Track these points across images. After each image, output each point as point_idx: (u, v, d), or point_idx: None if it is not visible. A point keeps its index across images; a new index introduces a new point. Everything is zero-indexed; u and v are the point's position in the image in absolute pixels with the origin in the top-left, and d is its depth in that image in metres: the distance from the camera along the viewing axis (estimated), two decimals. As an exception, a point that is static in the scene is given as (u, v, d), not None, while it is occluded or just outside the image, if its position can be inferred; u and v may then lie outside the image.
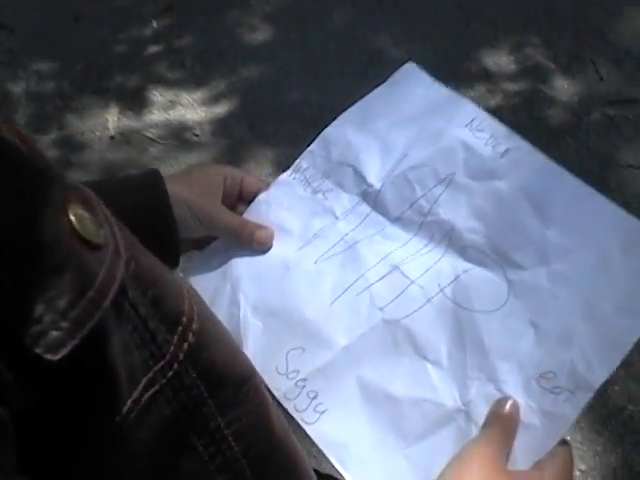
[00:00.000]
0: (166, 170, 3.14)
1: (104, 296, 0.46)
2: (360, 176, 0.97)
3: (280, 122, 3.29)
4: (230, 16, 3.95)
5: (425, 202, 0.91)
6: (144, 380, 0.53)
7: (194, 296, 0.63)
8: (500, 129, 0.91)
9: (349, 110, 1.03)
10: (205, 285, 0.96)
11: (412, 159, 0.94)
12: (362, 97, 1.03)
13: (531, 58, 3.37)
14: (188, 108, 3.50)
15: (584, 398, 0.75)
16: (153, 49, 3.87)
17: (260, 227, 0.96)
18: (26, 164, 0.46)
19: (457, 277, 0.86)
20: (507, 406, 0.76)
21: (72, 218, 0.46)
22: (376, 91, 1.03)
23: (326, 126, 1.03)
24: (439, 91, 0.99)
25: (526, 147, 0.89)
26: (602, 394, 2.26)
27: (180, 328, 0.57)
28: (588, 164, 2.89)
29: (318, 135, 1.03)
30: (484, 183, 0.89)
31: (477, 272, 0.85)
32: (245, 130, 3.31)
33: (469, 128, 0.92)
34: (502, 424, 0.75)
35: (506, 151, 0.89)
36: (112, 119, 3.52)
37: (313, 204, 0.98)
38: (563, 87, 3.22)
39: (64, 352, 0.43)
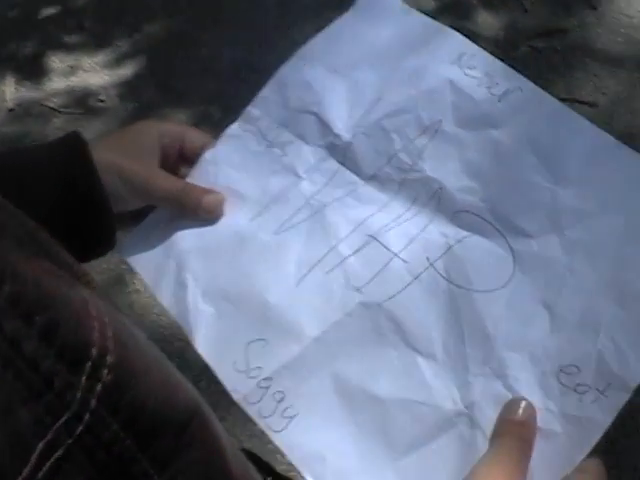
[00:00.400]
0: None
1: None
2: (325, 125, 0.82)
3: (191, 80, 3.09)
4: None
5: (406, 156, 0.77)
6: (40, 446, 0.36)
7: (108, 315, 0.45)
8: (497, 66, 0.77)
9: (308, 45, 0.86)
10: (145, 265, 0.81)
11: (388, 104, 0.79)
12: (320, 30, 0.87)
13: (451, -7, 3.23)
14: (91, 72, 3.28)
15: (619, 400, 0.60)
16: (47, 11, 3.61)
17: (207, 192, 0.81)
18: None
19: (450, 248, 0.71)
20: (520, 410, 0.61)
21: None
22: (339, 21, 0.87)
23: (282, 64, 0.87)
24: (417, 19, 0.83)
25: (530, 88, 0.75)
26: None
27: (89, 365, 0.40)
28: (520, 101, 2.76)
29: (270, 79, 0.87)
30: (479, 132, 0.75)
31: (474, 241, 0.71)
32: (154, 91, 3.10)
33: (458, 65, 0.78)
34: (516, 433, 0.60)
35: (505, 93, 0.75)
36: (9, 90, 3.29)
37: (270, 161, 0.83)
38: (487, 22, 3.07)
39: None
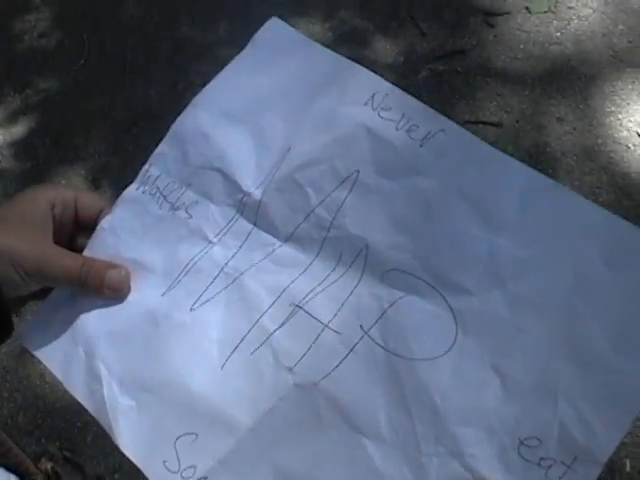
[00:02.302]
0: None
1: None
2: (231, 182, 0.75)
3: (89, 132, 2.98)
4: (15, 23, 3.57)
5: (325, 212, 0.71)
6: None
7: None
8: (413, 106, 0.71)
9: (203, 91, 0.79)
10: (50, 355, 0.72)
11: (299, 155, 0.73)
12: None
13: (347, 22, 3.17)
14: (-17, 132, 3.14)
15: (589, 474, 0.54)
16: None
17: (110, 266, 0.73)
18: None
19: (384, 313, 0.65)
20: None
21: None
22: (235, 61, 0.80)
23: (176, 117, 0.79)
24: (321, 54, 0.77)
25: (454, 129, 0.70)
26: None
27: None
28: (425, 127, 2.72)
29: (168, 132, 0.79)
30: (402, 182, 0.69)
31: (410, 303, 0.65)
32: (51, 147, 2.99)
33: (371, 106, 0.72)
34: None
35: (427, 136, 0.69)
36: None
37: (175, 225, 0.75)
38: (385, 48, 3.03)
39: None
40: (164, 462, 0.64)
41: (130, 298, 0.73)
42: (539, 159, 2.56)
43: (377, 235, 0.68)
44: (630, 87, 2.71)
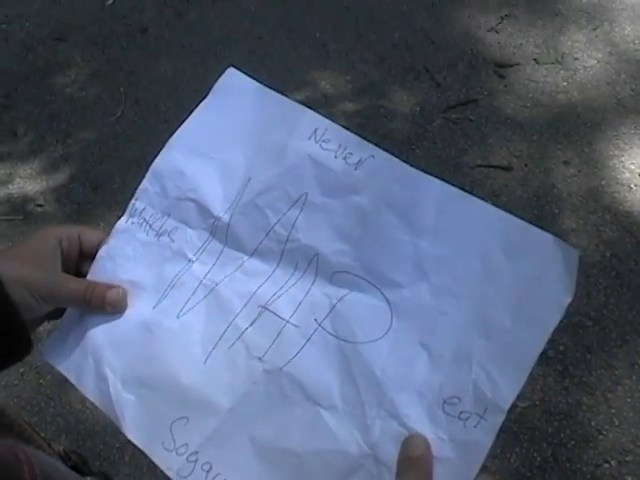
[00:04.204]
0: (13, 247, 2.98)
1: None
2: (204, 209, 0.88)
3: (125, 178, 3.18)
4: (57, 78, 3.80)
5: (282, 228, 0.84)
6: None
7: (34, 456, 0.53)
8: (348, 137, 0.84)
9: (175, 134, 0.93)
10: (66, 365, 0.87)
11: (258, 183, 0.87)
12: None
13: (366, 75, 3.37)
14: (27, 179, 3.34)
15: (496, 421, 0.69)
16: (-19, 123, 3.68)
17: (109, 287, 0.87)
18: None
19: (333, 307, 0.79)
20: (417, 449, 0.69)
21: None
22: (200, 107, 0.94)
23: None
24: (271, 98, 0.91)
25: (381, 154, 0.82)
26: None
27: None
28: (439, 171, 2.88)
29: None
30: (342, 200, 0.82)
31: (353, 298, 0.79)
32: (90, 192, 3.18)
33: (314, 139, 0.85)
34: (416, 469, 0.69)
35: (360, 161, 0.82)
36: (-53, 204, 3.33)
37: (160, 249, 0.89)
38: (402, 99, 3.22)
39: None
40: (162, 443, 0.78)
41: (127, 312, 0.87)
42: (546, 199, 2.72)
43: (324, 244, 0.81)
44: (632, 132, 2.88)
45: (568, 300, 0.71)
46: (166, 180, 0.91)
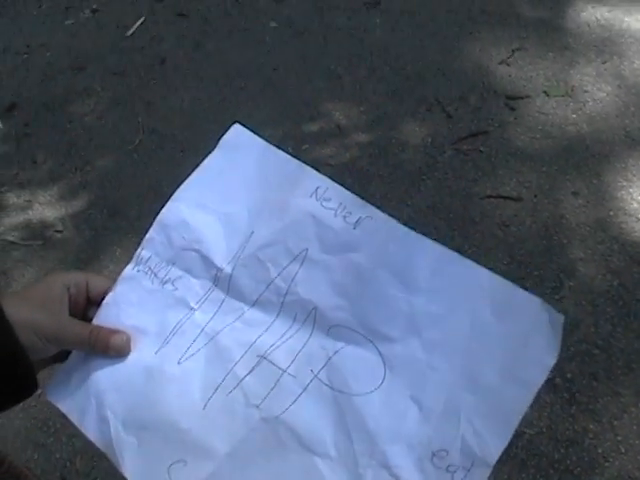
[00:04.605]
0: (33, 272, 3.05)
1: None
2: (207, 260, 0.92)
3: (142, 204, 3.24)
4: (76, 106, 3.88)
5: (282, 282, 0.88)
6: None
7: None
8: (348, 197, 0.88)
9: (182, 187, 0.97)
10: (70, 406, 0.90)
11: (260, 237, 0.90)
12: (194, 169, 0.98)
13: (379, 106, 3.43)
14: (46, 206, 3.41)
15: (482, 475, 0.73)
16: (2, 149, 3.77)
17: (114, 332, 0.90)
18: None
19: (329, 359, 0.83)
20: None
21: None
22: (206, 161, 0.98)
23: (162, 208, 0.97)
24: (275, 156, 0.94)
25: (378, 215, 0.86)
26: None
27: None
28: (449, 201, 2.94)
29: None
30: (341, 257, 0.86)
31: (349, 351, 0.83)
32: (107, 218, 3.24)
33: (315, 198, 0.89)
34: None
35: (358, 221, 0.87)
36: (-32, 229, 3.40)
37: (164, 296, 0.92)
38: (414, 130, 3.28)
39: None
40: None
41: (130, 357, 0.89)
42: (555, 230, 2.77)
43: (323, 299, 0.85)
44: (640, 164, 2.93)
45: (553, 362, 0.75)
46: (171, 230, 0.95)
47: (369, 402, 0.79)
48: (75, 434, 2.49)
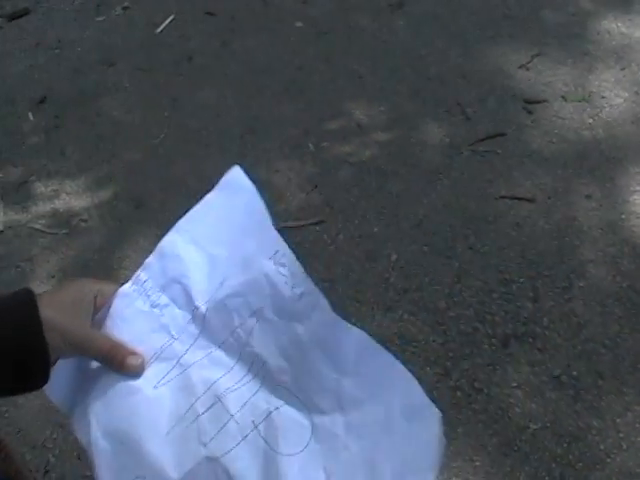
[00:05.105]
0: (57, 259, 3.14)
1: None
2: (189, 295, 0.99)
3: (166, 197, 3.33)
4: (104, 100, 3.99)
5: (242, 332, 0.96)
6: None
7: None
8: (296, 269, 0.95)
9: (181, 221, 1.04)
10: (62, 401, 0.98)
11: (229, 286, 0.97)
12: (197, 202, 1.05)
13: (400, 106, 3.50)
14: (73, 195, 3.51)
15: None
16: (32, 141, 3.87)
17: (131, 353, 0.96)
18: None
19: (269, 414, 0.91)
20: None
21: None
22: (206, 198, 1.05)
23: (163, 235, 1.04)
24: (258, 209, 1.00)
25: (316, 294, 0.94)
26: (503, 417, 2.34)
27: None
28: (464, 200, 3.01)
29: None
30: (287, 324, 0.94)
31: (286, 411, 0.91)
32: (132, 210, 3.33)
33: (273, 261, 0.96)
34: None
35: (302, 294, 0.94)
36: (-2, 216, 3.52)
37: (151, 320, 0.99)
38: (433, 130, 3.35)
39: None
40: None
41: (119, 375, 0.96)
42: (567, 231, 2.83)
43: (271, 358, 0.93)
44: (654, 169, 2.98)
45: (433, 477, 0.84)
46: (167, 260, 1.01)
47: (290, 463, 0.88)
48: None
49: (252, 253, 0.98)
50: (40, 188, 3.60)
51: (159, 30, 4.40)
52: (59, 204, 3.48)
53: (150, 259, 1.03)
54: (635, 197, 2.90)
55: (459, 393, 2.44)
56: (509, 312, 2.60)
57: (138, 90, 4.01)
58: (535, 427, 2.34)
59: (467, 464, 2.27)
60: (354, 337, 0.92)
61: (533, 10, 3.92)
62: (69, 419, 0.96)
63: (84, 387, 0.97)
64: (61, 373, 0.98)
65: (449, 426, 2.35)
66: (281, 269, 0.95)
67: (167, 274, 1.01)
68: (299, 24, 4.19)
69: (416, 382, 0.88)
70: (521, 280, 2.70)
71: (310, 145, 3.39)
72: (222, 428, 0.91)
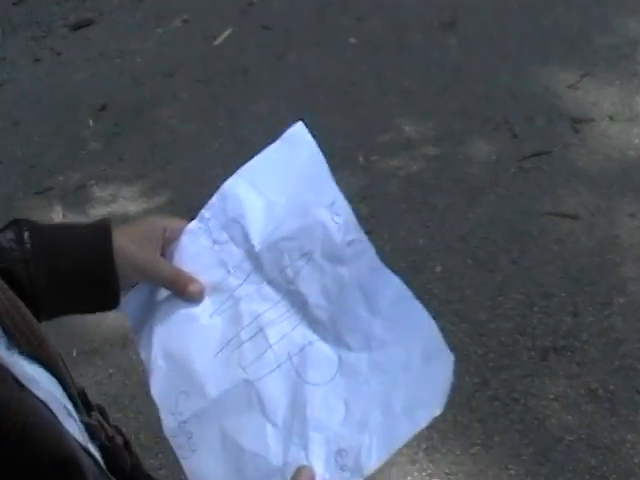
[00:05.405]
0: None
1: None
2: (246, 235, 1.07)
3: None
4: (163, 110, 4.12)
5: (290, 271, 1.04)
6: None
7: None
8: (351, 218, 1.04)
9: (244, 167, 1.12)
10: (133, 322, 1.10)
11: (284, 230, 1.06)
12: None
13: (448, 123, 3.58)
14: (129, 200, 3.63)
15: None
16: (92, 147, 4.02)
17: (193, 280, 1.06)
18: None
19: (303, 348, 1.01)
20: (303, 477, 0.92)
21: None
22: (268, 150, 1.12)
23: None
24: (318, 161, 1.08)
25: (366, 243, 1.03)
26: (539, 427, 2.40)
27: None
28: (509, 216, 3.07)
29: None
30: (333, 267, 1.03)
31: (319, 346, 1.01)
32: (185, 216, 3.39)
33: (329, 210, 1.04)
34: None
35: (351, 241, 1.02)
36: (57, 217, 3.63)
37: (211, 255, 1.08)
38: (480, 147, 3.43)
39: None
40: (169, 406, 1.00)
41: (182, 302, 1.07)
42: (609, 249, 2.88)
43: (313, 297, 1.02)
44: (698, 191, 3.02)
45: (437, 413, 0.93)
46: (228, 201, 1.09)
47: (315, 392, 0.98)
48: (142, 411, 2.68)
49: (310, 201, 1.06)
50: (98, 192, 3.73)
51: (217, 43, 4.53)
52: (115, 208, 3.62)
53: (213, 200, 1.12)
54: (677, 217, 2.94)
55: (497, 403, 2.50)
56: (549, 325, 2.66)
57: (195, 101, 4.15)
58: (570, 439, 2.39)
59: (502, 472, 2.33)
60: (393, 284, 1.01)
61: (582, 31, 3.97)
62: (135, 336, 1.08)
63: (152, 311, 1.08)
64: (135, 296, 1.10)
65: (486, 435, 2.42)
66: (336, 217, 1.04)
67: (228, 214, 1.09)
68: (353, 40, 4.29)
69: (438, 331, 0.97)
70: (562, 295, 2.75)
71: (360, 158, 3.48)
72: (261, 356, 1.00)
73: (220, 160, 3.65)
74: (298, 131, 1.13)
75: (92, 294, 1.03)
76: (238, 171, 1.12)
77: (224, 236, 1.09)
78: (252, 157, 1.11)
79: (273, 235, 1.07)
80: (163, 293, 1.09)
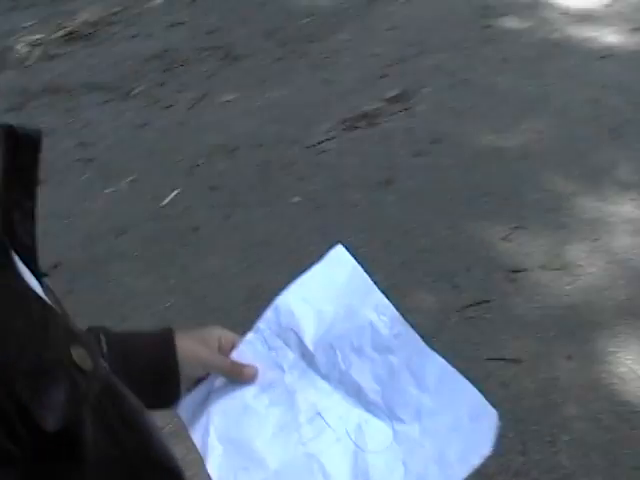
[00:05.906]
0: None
1: (85, 398, 0.77)
2: (300, 340, 1.23)
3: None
4: (115, 267, 4.26)
5: (344, 365, 1.20)
6: None
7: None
8: (395, 315, 1.22)
9: (293, 284, 1.28)
10: (187, 414, 1.22)
11: (335, 331, 1.22)
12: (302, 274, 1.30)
13: (392, 276, 3.75)
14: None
15: None
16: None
17: (246, 366, 1.22)
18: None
19: (359, 425, 1.17)
20: None
21: (74, 353, 0.77)
22: (313, 269, 1.30)
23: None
24: (359, 276, 1.27)
25: (412, 332, 1.21)
26: None
27: None
28: (454, 362, 3.00)
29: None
30: (383, 356, 1.19)
31: (373, 422, 1.16)
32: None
33: (375, 311, 1.22)
34: None
35: (398, 334, 1.20)
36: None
37: (267, 359, 1.24)
38: (422, 298, 3.65)
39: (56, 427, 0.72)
40: None
41: (238, 394, 1.21)
42: (551, 390, 3.05)
43: (366, 384, 1.18)
44: (629, 332, 3.23)
45: (488, 452, 1.10)
46: (281, 314, 1.25)
47: (375, 458, 1.13)
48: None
49: (356, 306, 1.23)
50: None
51: (165, 202, 4.72)
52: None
53: (267, 313, 1.27)
54: (612, 357, 3.13)
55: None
56: (501, 464, 2.78)
57: (147, 258, 4.30)
58: None
59: None
60: (437, 363, 1.18)
61: (512, 187, 4.27)
62: (189, 428, 1.20)
63: (207, 406, 1.20)
64: (191, 397, 1.23)
65: None
66: (382, 317, 1.21)
67: (281, 324, 1.25)
68: (296, 199, 4.53)
69: (481, 395, 1.15)
70: (510, 435, 2.89)
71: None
72: (319, 434, 1.16)
73: (174, 316, 3.76)
74: (338, 251, 1.31)
75: (158, 393, 1.17)
76: (288, 288, 1.28)
77: (279, 342, 1.25)
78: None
79: (325, 336, 1.23)
80: (218, 391, 1.22)
